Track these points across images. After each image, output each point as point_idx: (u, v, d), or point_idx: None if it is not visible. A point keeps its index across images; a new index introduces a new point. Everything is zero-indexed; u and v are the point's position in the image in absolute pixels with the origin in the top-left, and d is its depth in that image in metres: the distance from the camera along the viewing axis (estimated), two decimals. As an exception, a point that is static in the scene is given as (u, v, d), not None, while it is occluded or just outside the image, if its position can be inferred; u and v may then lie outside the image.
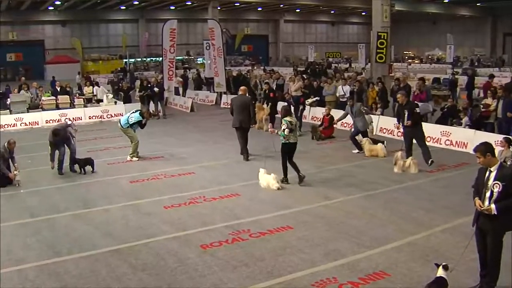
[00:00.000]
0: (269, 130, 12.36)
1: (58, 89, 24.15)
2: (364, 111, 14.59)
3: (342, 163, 12.81)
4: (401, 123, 12.23)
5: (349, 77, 24.42)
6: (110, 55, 57.88)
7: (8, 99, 22.00)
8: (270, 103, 17.93)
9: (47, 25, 57.22)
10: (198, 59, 60.92)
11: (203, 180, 11.43)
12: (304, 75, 25.78)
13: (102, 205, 9.80)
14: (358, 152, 13.77)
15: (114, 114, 21.56)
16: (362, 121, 14.02)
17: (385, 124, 16.55)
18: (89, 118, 21.48)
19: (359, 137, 14.04)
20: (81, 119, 21.17)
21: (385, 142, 14.20)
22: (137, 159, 13.59)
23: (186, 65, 54.80)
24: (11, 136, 17.41)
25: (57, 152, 12.20)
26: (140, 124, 13.71)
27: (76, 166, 12.36)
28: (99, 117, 21.66)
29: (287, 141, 10.83)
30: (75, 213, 9.34)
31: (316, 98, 19.50)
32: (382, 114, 17.69)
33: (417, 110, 12.09)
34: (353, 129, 14.45)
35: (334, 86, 19.87)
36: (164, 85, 22.77)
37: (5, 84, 30.10)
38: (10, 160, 11.50)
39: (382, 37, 23.25)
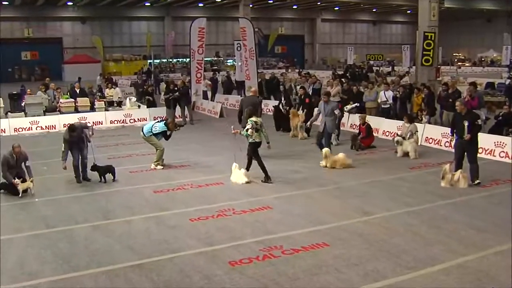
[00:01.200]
0: (232, 131, 12.91)
1: (78, 90, 24.61)
2: (337, 113, 14.33)
3: (383, 175, 12.72)
4: (454, 135, 11.92)
5: (392, 81, 24.21)
6: (133, 55, 58.64)
7: (23, 101, 22.53)
8: (305, 110, 17.94)
9: (65, 21, 58.20)
10: (228, 61, 61.45)
11: (232, 191, 11.51)
12: (342, 79, 25.74)
13: (123, 216, 9.96)
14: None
15: (138, 119, 21.95)
16: (333, 122, 13.94)
17: (431, 133, 16.36)
18: (111, 123, 21.94)
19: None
20: (102, 124, 21.64)
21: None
22: (161, 167, 13.77)
23: (215, 67, 55.35)
24: (25, 141, 18.06)
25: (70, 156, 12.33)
26: (164, 135, 13.88)
27: (91, 174, 12.52)
28: (121, 121, 22.07)
29: (254, 140, 12.09)
30: (94, 225, 9.51)
31: (356, 104, 19.43)
32: (428, 122, 17.50)
33: (479, 122, 11.87)
34: (320, 130, 14.17)
35: (376, 91, 19.74)
36: (192, 89, 23.03)
37: (20, 85, 30.84)
38: (25, 168, 11.58)
39: (429, 38, 23.04)
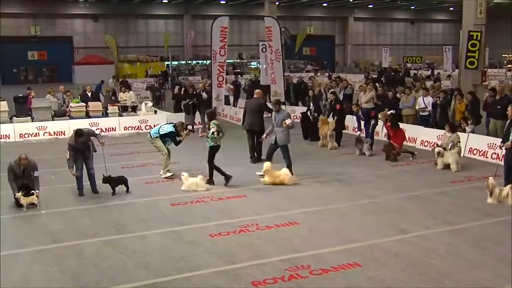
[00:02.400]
0: (200, 134, 13.86)
1: (89, 94, 24.89)
2: (290, 124, 13.76)
3: (422, 189, 12.62)
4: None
5: (432, 86, 24.02)
6: (150, 56, 59.22)
7: (30, 104, 22.80)
8: (336, 117, 17.91)
9: (76, 19, 58.93)
10: (252, 63, 61.71)
11: (256, 205, 11.54)
12: (377, 84, 25.62)
13: (137, 230, 10.03)
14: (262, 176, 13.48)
15: (154, 125, 22.00)
16: (284, 133, 13.76)
17: (476, 144, 16.18)
18: (125, 129, 22.19)
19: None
20: (115, 130, 21.91)
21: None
22: (170, 174, 13.92)
23: (238, 70, 55.52)
24: (32, 148, 18.36)
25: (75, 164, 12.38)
26: (174, 140, 14.07)
27: (100, 185, 12.59)
28: (136, 128, 22.29)
29: (216, 144, 12.97)
30: (106, 239, 9.58)
31: (391, 111, 19.30)
32: (473, 131, 17.29)
33: None
34: (271, 141, 14.01)
35: (413, 97, 19.63)
36: (213, 93, 23.13)
37: (26, 87, 31.24)
38: (33, 178, 11.65)
39: (474, 38, 22.82)
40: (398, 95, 20.72)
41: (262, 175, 13.43)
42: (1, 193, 12.29)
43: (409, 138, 18.08)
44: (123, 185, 12.65)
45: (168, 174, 13.98)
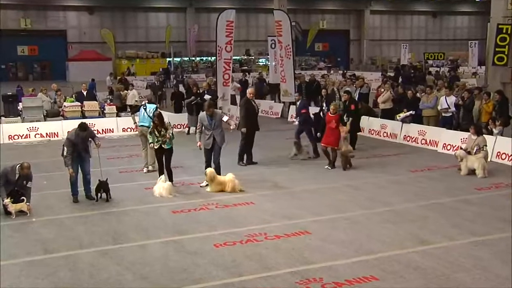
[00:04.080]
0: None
1: (84, 93, 24.92)
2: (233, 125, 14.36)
3: (444, 197, 12.59)
4: None
5: (456, 85, 23.96)
6: (150, 52, 59.28)
7: (20, 104, 22.91)
8: (350, 118, 17.87)
9: (70, 11, 58.97)
10: (260, 60, 61.77)
11: (264, 213, 11.55)
12: (394, 82, 25.59)
13: (136, 240, 10.06)
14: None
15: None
16: (221, 135, 13.86)
17: (504, 147, 16.13)
18: (123, 131, 22.27)
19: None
20: (112, 132, 22.02)
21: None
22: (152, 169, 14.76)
23: (245, 67, 55.57)
24: (22, 150, 18.41)
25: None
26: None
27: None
28: (135, 129, 22.19)
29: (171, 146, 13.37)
30: (102, 249, 9.60)
31: (411, 112, 19.29)
32: (501, 134, 17.22)
33: None
34: (207, 147, 13.86)
35: (435, 97, 19.57)
36: (218, 92, 23.15)
37: (16, 85, 31.31)
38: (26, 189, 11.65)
39: (504, 31, 22.69)
40: (418, 94, 20.67)
41: (206, 185, 13.49)
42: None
43: (430, 141, 18.08)
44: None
45: (150, 168, 14.83)
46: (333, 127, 15.33)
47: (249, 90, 17.36)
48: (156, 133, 13.21)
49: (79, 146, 12.28)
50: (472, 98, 19.03)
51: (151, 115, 14.80)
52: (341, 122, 15.73)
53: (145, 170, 15.26)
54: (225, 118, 14.00)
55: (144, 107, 15.76)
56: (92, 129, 20.22)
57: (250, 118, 16.08)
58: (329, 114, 15.76)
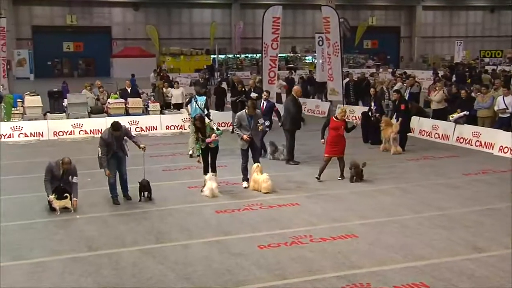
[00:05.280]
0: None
1: (128, 89, 25.25)
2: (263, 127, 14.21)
3: (500, 202, 12.33)
4: None
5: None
6: (194, 49, 59.64)
7: (65, 100, 23.39)
8: (400, 118, 17.71)
9: (115, 7, 59.86)
10: (307, 58, 61.54)
11: (310, 214, 11.53)
12: (447, 81, 25.23)
13: (179, 239, 10.16)
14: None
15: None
16: (260, 136, 14.13)
17: None
18: (166, 128, 22.52)
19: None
20: (156, 129, 22.27)
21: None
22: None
23: (291, 65, 55.47)
24: (67, 147, 18.79)
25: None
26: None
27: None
28: (179, 127, 22.53)
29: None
30: (145, 248, 9.72)
31: (465, 112, 18.98)
32: None
33: None
34: (243, 147, 13.80)
35: (492, 96, 19.22)
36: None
37: (61, 81, 31.93)
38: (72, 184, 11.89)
39: None
40: (473, 94, 20.32)
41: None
42: (35, 195, 12.64)
43: (485, 143, 17.74)
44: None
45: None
46: (341, 134, 14.22)
47: (295, 88, 17.33)
48: (201, 135, 13.26)
49: (114, 146, 12.27)
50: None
51: (202, 107, 17.04)
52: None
53: (190, 152, 16.78)
54: (261, 121, 13.91)
55: (195, 99, 17.57)
56: (135, 126, 20.91)
57: (294, 117, 16.10)
58: (335, 119, 14.40)
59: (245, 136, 13.60)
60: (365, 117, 19.88)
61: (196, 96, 18.15)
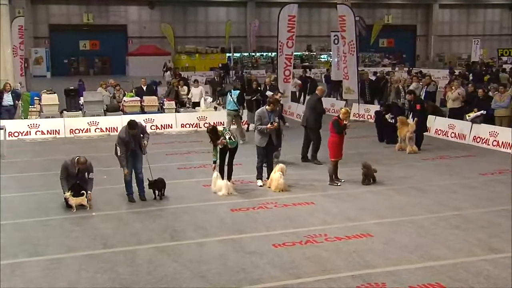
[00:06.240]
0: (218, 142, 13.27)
1: (144, 88, 25.30)
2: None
3: (517, 203, 12.23)
4: None
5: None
6: (210, 47, 59.75)
7: (81, 98, 23.50)
8: (416, 118, 17.64)
9: (131, 6, 60.02)
10: (322, 56, 61.44)
11: (325, 213, 11.53)
12: (464, 80, 25.09)
13: (194, 237, 10.20)
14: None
15: (214, 123, 22.18)
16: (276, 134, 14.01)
17: None
18: (182, 127, 22.57)
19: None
20: (171, 127, 22.34)
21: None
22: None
23: (306, 63, 55.36)
24: (83, 144, 18.92)
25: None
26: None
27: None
28: (194, 125, 22.60)
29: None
30: (160, 246, 9.78)
31: (482, 111, 18.85)
32: None
33: None
34: (261, 145, 13.75)
35: (510, 96, 19.08)
36: (280, 89, 23.17)
37: (77, 79, 32.13)
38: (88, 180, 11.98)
39: None
40: (490, 93, 20.18)
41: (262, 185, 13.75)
42: (51, 192, 12.76)
43: (503, 143, 17.60)
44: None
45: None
46: (343, 136, 13.82)
47: (320, 88, 17.28)
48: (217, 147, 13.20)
49: (132, 143, 12.30)
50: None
51: (235, 100, 19.25)
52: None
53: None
54: (276, 118, 13.92)
55: (230, 94, 19.85)
56: (151, 124, 20.97)
57: (319, 116, 16.10)
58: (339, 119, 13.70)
59: (269, 126, 13.47)
60: (379, 115, 19.81)
61: (232, 90, 20.48)
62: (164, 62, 49.99)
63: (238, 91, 20.17)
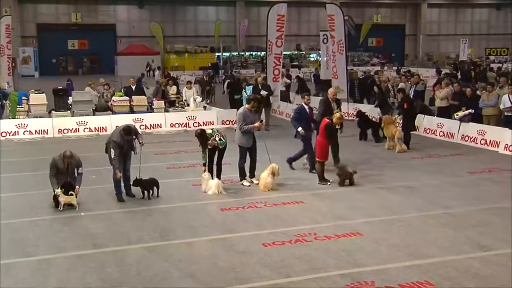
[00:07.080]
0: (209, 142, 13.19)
1: (133, 87, 25.24)
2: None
3: (507, 201, 12.25)
4: None
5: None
6: (199, 47, 59.71)
7: (69, 98, 23.38)
8: (402, 116, 17.70)
9: (120, 5, 59.93)
10: (311, 55, 61.57)
11: (314, 212, 11.55)
12: (452, 79, 25.19)
13: (184, 237, 10.18)
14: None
15: (203, 123, 22.27)
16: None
17: None
18: (171, 126, 22.56)
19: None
20: (160, 127, 22.31)
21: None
22: None
23: (296, 62, 55.47)
24: (71, 144, 18.80)
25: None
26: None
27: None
28: (183, 125, 22.60)
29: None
30: (150, 246, 9.76)
31: (470, 110, 18.94)
32: None
33: None
34: (247, 146, 13.78)
35: (497, 94, 19.17)
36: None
37: (66, 78, 32.00)
38: (77, 175, 11.98)
39: None
40: (478, 92, 20.27)
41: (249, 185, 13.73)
42: (40, 192, 12.69)
43: (490, 141, 17.71)
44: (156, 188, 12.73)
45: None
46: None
47: (331, 90, 16.74)
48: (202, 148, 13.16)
49: (126, 146, 12.41)
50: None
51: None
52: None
53: None
54: (261, 117, 13.95)
55: (245, 90, 21.03)
56: (140, 124, 20.92)
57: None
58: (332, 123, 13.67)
59: (256, 124, 13.56)
60: (360, 114, 19.95)
61: (246, 86, 21.64)
62: (147, 62, 49.87)
63: (251, 86, 21.17)
